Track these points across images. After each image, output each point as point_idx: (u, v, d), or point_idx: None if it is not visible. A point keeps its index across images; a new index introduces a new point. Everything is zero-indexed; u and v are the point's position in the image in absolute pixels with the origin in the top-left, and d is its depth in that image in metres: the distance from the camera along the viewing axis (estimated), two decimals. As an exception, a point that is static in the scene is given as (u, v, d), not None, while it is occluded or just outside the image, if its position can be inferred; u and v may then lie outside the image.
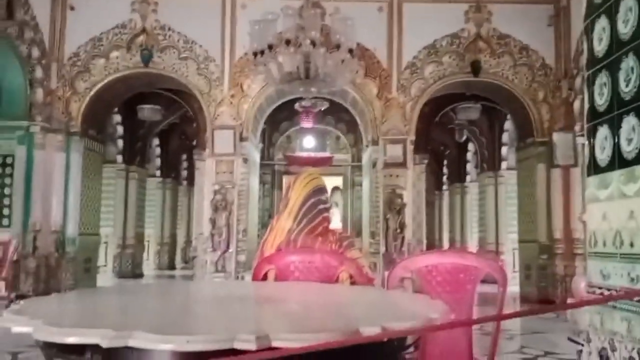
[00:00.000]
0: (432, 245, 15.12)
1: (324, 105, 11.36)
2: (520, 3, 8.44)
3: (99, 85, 8.43)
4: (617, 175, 2.30)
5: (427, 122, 9.72)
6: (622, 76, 2.28)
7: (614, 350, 2.27)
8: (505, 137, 11.95)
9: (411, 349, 2.09)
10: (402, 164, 8.37)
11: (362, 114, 8.93)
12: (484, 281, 2.19)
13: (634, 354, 2.14)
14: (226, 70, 8.40)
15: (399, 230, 8.26)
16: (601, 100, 2.43)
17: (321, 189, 2.65)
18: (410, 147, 8.44)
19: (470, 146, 13.90)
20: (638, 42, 2.20)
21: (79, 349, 1.24)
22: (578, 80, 7.78)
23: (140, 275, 12.55)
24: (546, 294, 8.26)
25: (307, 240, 2.57)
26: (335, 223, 14.98)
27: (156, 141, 14.31)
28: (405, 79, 8.43)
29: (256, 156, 9.83)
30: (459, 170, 14.83)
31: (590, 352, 2.44)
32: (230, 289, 2.54)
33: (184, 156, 16.08)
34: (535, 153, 8.63)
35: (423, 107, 8.63)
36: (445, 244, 15.92)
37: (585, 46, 2.61)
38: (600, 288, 2.40)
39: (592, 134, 2.50)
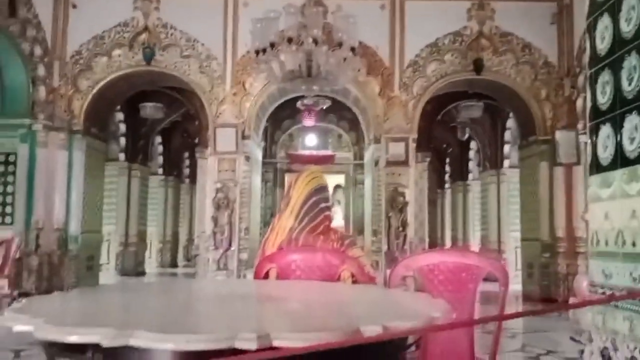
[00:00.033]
0: (435, 243, 15.12)
1: (326, 104, 11.37)
2: (523, 1, 8.42)
3: (102, 84, 8.44)
4: (619, 174, 2.29)
5: (429, 120, 9.71)
6: (624, 75, 2.27)
7: (616, 349, 2.26)
8: (507, 135, 11.92)
9: (412, 348, 2.09)
10: (405, 162, 8.36)
11: (364, 112, 8.92)
12: (486, 279, 2.19)
13: (636, 354, 2.14)
14: (228, 68, 8.40)
15: (401, 229, 8.26)
16: (604, 99, 2.43)
17: (323, 188, 2.65)
18: (412, 146, 8.43)
19: (473, 144, 13.89)
20: (641, 41, 2.20)
21: (80, 347, 1.24)
22: (581, 79, 7.77)
23: (142, 273, 12.57)
24: (548, 293, 8.25)
25: (309, 239, 2.57)
26: (338, 221, 14.98)
27: (158, 139, 14.32)
28: (408, 77, 8.41)
29: (258, 154, 9.83)
30: (461, 168, 14.81)
31: (592, 351, 2.43)
32: (231, 288, 2.54)
33: (186, 154, 16.09)
34: (537, 151, 8.62)
35: (425, 105, 8.62)
36: (448, 243, 15.91)
37: (587, 44, 2.60)
38: (602, 287, 2.40)
39: (594, 132, 2.49)
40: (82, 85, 8.38)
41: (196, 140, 10.92)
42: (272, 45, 6.06)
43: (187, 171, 16.62)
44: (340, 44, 6.11)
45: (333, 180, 14.84)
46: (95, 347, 1.18)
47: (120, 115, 11.91)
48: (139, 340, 1.15)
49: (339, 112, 13.31)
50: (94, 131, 8.84)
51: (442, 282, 2.24)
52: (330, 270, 2.45)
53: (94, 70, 8.38)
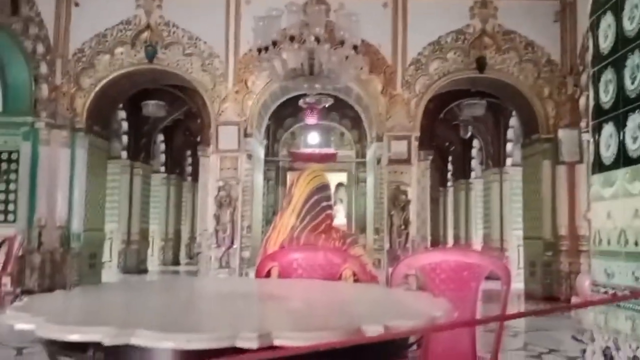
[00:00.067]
0: (437, 241, 15.12)
1: (328, 102, 11.37)
2: (526, -1, 8.41)
3: (104, 82, 8.45)
4: (622, 173, 2.29)
5: (431, 118, 9.70)
6: (627, 73, 2.26)
7: (618, 349, 2.26)
8: (510, 134, 11.91)
9: (414, 347, 2.09)
10: (407, 161, 8.36)
11: (367, 110, 8.91)
12: (488, 278, 2.18)
13: (638, 353, 2.13)
14: (230, 66, 8.40)
15: (403, 227, 8.26)
16: (606, 98, 2.42)
17: (324, 186, 2.65)
18: (414, 144, 8.42)
19: (475, 142, 13.87)
20: (644, 39, 2.19)
21: (82, 346, 1.24)
22: (584, 77, 7.75)
23: (144, 271, 12.59)
24: (551, 291, 8.24)
25: (310, 238, 2.57)
26: (340, 219, 14.99)
27: (161, 137, 14.34)
28: (410, 75, 8.40)
29: (260, 152, 9.83)
30: (464, 166, 14.80)
31: (594, 351, 2.43)
32: (232, 286, 2.54)
33: (189, 152, 16.10)
34: (540, 149, 8.60)
35: (428, 103, 8.61)
36: (450, 241, 15.90)
37: (590, 43, 2.60)
38: (604, 287, 2.39)
39: (597, 131, 2.49)
40: (85, 83, 8.39)
41: (198, 138, 10.93)
42: (275, 43, 6.06)
43: (189, 169, 16.64)
44: (342, 42, 6.10)
45: (335, 178, 14.84)
46: (97, 345, 1.19)
47: (122, 114, 11.93)
48: (140, 339, 1.15)
49: (341, 110, 13.31)
50: (97, 129, 8.85)
51: (444, 281, 2.23)
52: (331, 269, 2.44)
53: (97, 68, 8.39)
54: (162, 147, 14.78)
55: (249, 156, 8.54)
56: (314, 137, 15.95)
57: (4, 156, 7.87)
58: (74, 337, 1.21)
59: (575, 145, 8.13)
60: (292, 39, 6.06)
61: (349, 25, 6.17)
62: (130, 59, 8.41)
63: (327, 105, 11.79)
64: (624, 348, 2.22)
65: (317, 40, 6.03)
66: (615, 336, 2.29)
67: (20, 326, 1.30)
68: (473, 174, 14.34)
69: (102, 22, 8.35)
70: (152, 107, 11.73)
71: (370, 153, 9.81)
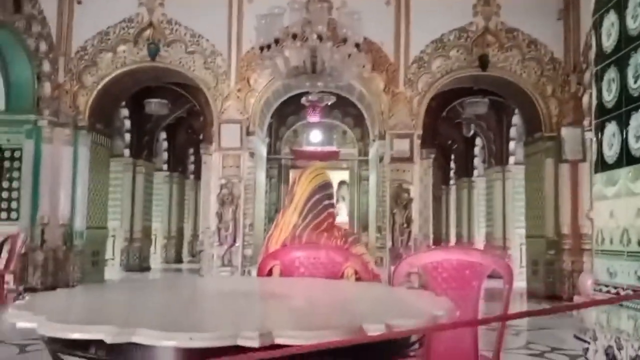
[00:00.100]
0: (439, 240, 15.11)
1: (331, 100, 11.36)
2: (529, -4, 8.39)
3: (106, 79, 8.46)
4: (624, 172, 2.28)
5: (434, 116, 9.68)
6: (630, 72, 2.25)
7: (620, 348, 2.25)
8: (513, 132, 11.89)
9: (416, 346, 2.08)
10: (409, 159, 8.35)
11: (369, 108, 8.90)
12: (491, 276, 2.18)
13: (641, 352, 2.13)
14: (233, 64, 8.40)
15: (405, 225, 8.26)
16: (609, 96, 2.41)
17: (327, 185, 2.65)
18: (417, 142, 8.42)
19: (478, 141, 13.85)
20: (647, 38, 2.18)
21: (83, 344, 1.24)
22: (587, 75, 7.72)
23: (147, 269, 12.61)
24: (553, 290, 8.23)
25: (313, 236, 2.57)
26: (342, 217, 14.98)
27: (163, 135, 14.35)
28: (413, 73, 8.39)
29: (263, 150, 9.83)
30: (466, 164, 14.78)
31: (596, 350, 2.42)
32: (234, 285, 2.54)
33: (191, 150, 16.12)
34: (543, 148, 8.59)
35: (430, 101, 8.60)
36: (452, 239, 15.89)
37: (593, 41, 2.59)
38: (607, 286, 2.39)
39: (600, 130, 2.48)
40: (87, 81, 8.40)
41: (201, 136, 10.93)
42: (277, 41, 6.06)
43: (191, 167, 16.65)
44: (345, 40, 6.09)
45: (337, 176, 14.84)
46: (98, 343, 1.19)
47: (125, 111, 11.95)
48: (141, 337, 1.15)
49: (344, 108, 13.29)
50: (99, 127, 8.86)
51: (446, 280, 2.23)
52: (333, 267, 2.45)
53: (99, 66, 8.40)
54: (165, 145, 14.79)
55: (251, 154, 8.54)
56: (316, 135, 15.95)
57: (7, 154, 7.89)
58: (76, 335, 1.21)
59: (578, 144, 8.11)
60: (294, 36, 6.06)
61: (352, 23, 6.16)
62: (132, 56, 8.41)
63: (329, 103, 11.78)
64: (626, 347, 2.22)
65: (320, 38, 6.02)
66: (617, 335, 2.28)
67: (22, 325, 1.31)
68: (475, 172, 14.32)
69: (104, 20, 8.35)
70: (154, 105, 11.74)
71: (372, 151, 9.81)
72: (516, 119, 11.34)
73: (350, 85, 8.32)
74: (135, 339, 1.15)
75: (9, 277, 6.80)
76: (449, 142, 15.41)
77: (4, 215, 7.81)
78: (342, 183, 15.82)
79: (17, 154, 7.90)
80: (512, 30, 8.33)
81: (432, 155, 10.02)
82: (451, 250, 2.58)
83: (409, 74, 8.39)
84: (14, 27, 7.50)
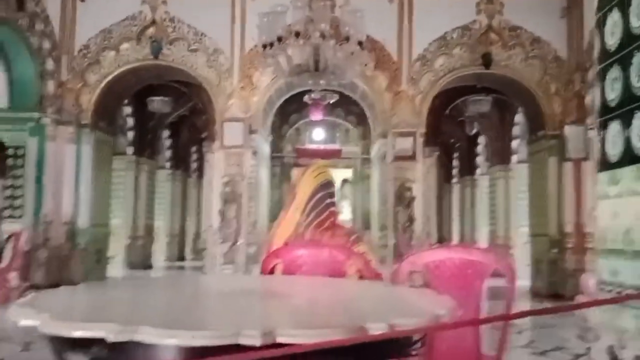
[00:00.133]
0: (442, 238, 15.08)
1: (334, 98, 11.33)
2: (533, -6, 8.36)
3: (109, 77, 8.46)
4: (627, 171, 2.27)
5: (437, 114, 9.66)
6: (634, 71, 2.24)
7: (623, 347, 2.25)
8: (516, 130, 11.86)
9: (418, 345, 2.08)
10: (412, 157, 8.34)
11: (372, 106, 8.89)
12: (495, 275, 2.17)
13: (644, 352, 2.13)
14: (236, 62, 8.39)
15: (408, 224, 8.25)
16: (613, 95, 2.40)
17: (329, 183, 2.66)
18: (420, 140, 8.40)
19: (481, 139, 13.82)
20: (651, 36, 2.17)
21: (86, 342, 1.25)
22: (590, 73, 7.70)
23: (150, 267, 12.62)
24: (556, 289, 8.21)
25: (315, 234, 2.57)
26: (345, 215, 14.98)
27: (166, 133, 14.36)
28: (416, 71, 8.38)
29: (266, 148, 9.83)
30: (469, 163, 14.76)
31: (599, 349, 2.42)
32: (236, 283, 2.54)
33: (194, 148, 16.12)
34: (546, 146, 8.56)
35: (433, 99, 8.58)
36: (455, 238, 15.86)
37: (597, 40, 2.58)
38: (610, 285, 2.38)
39: (603, 129, 2.47)
40: (90, 79, 8.41)
41: (204, 135, 10.94)
42: (280, 39, 6.05)
43: (194, 165, 16.66)
44: (347, 38, 6.08)
45: (340, 174, 14.83)
46: (101, 342, 1.19)
47: (128, 109, 11.95)
48: (143, 335, 1.16)
49: (347, 106, 13.28)
50: (102, 125, 8.87)
51: (448, 279, 2.23)
52: (336, 265, 2.45)
53: (102, 64, 8.41)
54: (168, 143, 14.80)
55: (254, 152, 8.54)
56: (319, 133, 15.94)
57: (11, 152, 7.90)
58: (78, 334, 1.22)
59: (582, 142, 8.08)
60: (297, 34, 6.05)
61: (354, 21, 6.15)
62: (135, 54, 8.42)
63: (332, 102, 11.76)
64: (629, 346, 2.21)
65: (323, 36, 6.01)
66: (620, 335, 2.28)
67: (25, 323, 1.31)
68: (478, 171, 14.29)
69: (107, 18, 8.36)
70: (157, 103, 11.75)
71: (375, 149, 9.80)
72: (519, 117, 11.32)
73: (353, 83, 8.31)
74: (138, 337, 1.15)
75: (12, 275, 6.81)
76: (452, 140, 15.39)
77: (7, 213, 7.83)
78: (344, 181, 15.81)
79: (20, 152, 7.91)
80: (516, 29, 8.30)
81: (435, 154, 10.02)
82: (453, 249, 2.57)
83: (412, 72, 8.37)
84: (17, 25, 7.50)
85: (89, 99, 8.41)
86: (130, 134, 12.39)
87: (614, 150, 2.37)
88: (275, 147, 14.54)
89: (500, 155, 12.26)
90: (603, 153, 2.46)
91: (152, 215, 13.23)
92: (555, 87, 8.34)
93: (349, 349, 1.16)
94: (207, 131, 9.77)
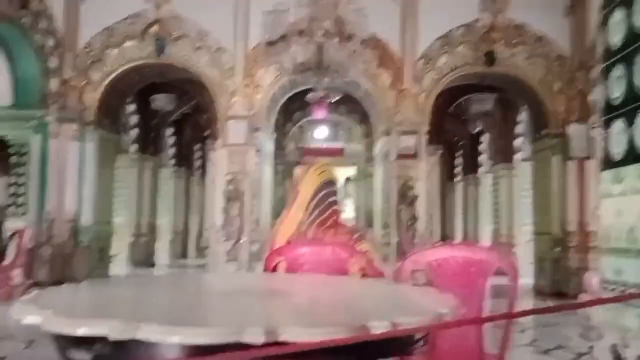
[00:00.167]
0: (445, 236, 15.06)
1: (337, 96, 11.33)
2: (537, -7, 8.33)
3: (113, 75, 8.47)
4: (631, 169, 2.27)
5: (440, 113, 9.65)
6: (637, 69, 2.24)
7: (626, 346, 2.24)
8: (519, 129, 11.83)
9: (420, 343, 2.08)
10: (415, 155, 8.33)
11: (375, 105, 8.88)
12: (498, 273, 2.17)
13: (647, 351, 2.12)
14: (239, 60, 8.38)
15: (411, 222, 8.24)
16: (616, 94, 2.40)
17: (331, 182, 2.66)
18: (423, 138, 8.39)
19: (484, 137, 13.79)
20: (655, 34, 2.16)
21: (89, 340, 1.25)
22: (594, 72, 7.68)
23: (153, 265, 12.64)
24: (559, 287, 8.20)
25: (318, 232, 2.58)
26: (347, 214, 14.98)
27: (169, 131, 14.36)
28: (419, 69, 8.36)
29: (269, 146, 9.83)
30: (473, 161, 14.73)
31: (602, 348, 2.42)
32: (240, 281, 2.55)
33: (197, 146, 16.12)
34: (550, 145, 8.55)
35: (436, 98, 8.56)
36: (458, 236, 15.84)
37: (601, 38, 2.57)
38: (613, 284, 2.38)
39: (606, 127, 2.47)
40: (94, 77, 8.42)
41: (207, 132, 10.94)
42: (283, 37, 6.05)
43: (198, 163, 16.66)
44: (351, 37, 6.08)
45: (343, 172, 14.83)
46: (104, 339, 1.19)
47: (131, 107, 11.96)
48: (146, 333, 1.16)
49: (350, 104, 13.26)
50: (106, 123, 8.87)
51: (451, 277, 2.23)
52: (339, 264, 2.45)
53: (105, 62, 8.41)
54: (171, 141, 14.79)
55: (257, 150, 8.54)
56: (322, 132, 15.95)
57: (14, 149, 7.93)
58: (81, 331, 1.22)
59: (585, 141, 8.07)
60: (300, 33, 6.05)
61: (358, 19, 6.15)
62: (139, 52, 8.42)
63: (335, 100, 11.76)
64: (632, 345, 2.21)
65: (326, 34, 6.01)
66: (623, 333, 2.28)
67: (28, 320, 1.32)
68: (482, 169, 14.27)
69: (111, 16, 8.36)
70: (160, 101, 11.76)
71: (378, 148, 9.79)
72: (523, 116, 11.29)
73: (356, 81, 8.30)
74: (140, 335, 1.16)
75: (16, 272, 6.84)
76: (455, 138, 15.36)
77: (11, 210, 7.85)
78: (347, 180, 15.81)
79: (24, 150, 7.93)
80: (519, 27, 8.27)
81: (439, 152, 10.01)
82: (457, 248, 2.57)
83: (415, 71, 8.36)
84: (21, 23, 7.52)
85: (92, 97, 8.42)
86: (134, 132, 12.40)
87: (618, 149, 2.37)
88: (279, 145, 14.54)
89: (504, 154, 12.24)
90: (606, 151, 2.45)
91: (155, 213, 13.24)
92: (558, 86, 8.32)
93: (351, 347, 1.16)
94: (210, 129, 9.78)
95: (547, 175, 8.63)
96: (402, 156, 8.33)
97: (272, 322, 1.29)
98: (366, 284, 2.27)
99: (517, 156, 11.91)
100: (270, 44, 6.17)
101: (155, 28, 8.37)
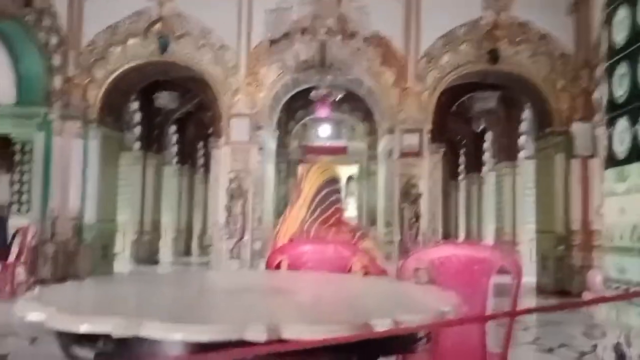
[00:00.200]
0: (448, 235, 15.06)
1: (340, 94, 11.32)
2: (540, -10, 8.31)
3: (116, 73, 8.49)
4: (635, 168, 2.26)
5: (443, 111, 9.63)
6: (642, 67, 2.23)
7: (629, 345, 2.24)
8: (523, 127, 11.81)
9: (423, 341, 2.08)
10: (418, 154, 8.33)
11: (378, 103, 8.88)
12: (501, 271, 2.16)
13: (650, 349, 2.12)
14: (242, 58, 8.38)
15: (414, 220, 8.24)
16: (620, 92, 2.39)
17: (334, 180, 2.65)
18: (426, 137, 8.39)
19: (487, 135, 13.77)
20: (660, 32, 2.15)
21: (92, 337, 1.25)
22: (598, 70, 7.66)
23: (156, 262, 12.66)
24: (563, 285, 8.20)
25: (320, 231, 2.57)
26: (350, 212, 14.98)
27: (173, 129, 14.38)
28: (422, 68, 8.35)
29: (272, 144, 9.84)
30: (476, 159, 14.71)
31: (605, 346, 2.41)
32: (242, 279, 2.55)
33: (200, 144, 16.15)
34: (553, 143, 8.53)
35: (440, 96, 8.55)
36: (461, 234, 15.84)
37: (605, 36, 2.56)
38: (617, 283, 2.37)
39: (610, 125, 2.46)
40: (97, 74, 8.43)
41: (210, 130, 10.95)
42: (286, 35, 6.05)
43: (201, 161, 16.69)
44: (353, 34, 6.08)
45: (346, 171, 14.84)
46: (107, 337, 1.20)
47: (134, 105, 11.97)
48: (149, 330, 1.16)
49: (353, 102, 13.26)
50: (109, 120, 8.89)
51: (454, 276, 2.22)
52: (341, 262, 2.44)
53: (109, 60, 8.43)
54: (174, 138, 14.82)
55: (260, 148, 8.55)
56: (325, 130, 15.95)
57: (18, 147, 7.95)
58: (84, 329, 1.22)
59: (589, 139, 8.05)
60: (303, 31, 6.05)
61: (361, 17, 6.16)
62: (142, 50, 8.43)
63: (338, 98, 11.75)
64: (635, 344, 2.20)
65: (329, 32, 6.01)
66: (626, 332, 2.27)
67: (31, 317, 1.32)
68: (485, 168, 14.25)
69: (114, 14, 8.38)
70: (164, 99, 11.78)
71: (381, 146, 9.79)
72: (526, 114, 11.27)
73: (359, 79, 8.29)
74: (143, 332, 1.16)
75: (19, 269, 6.86)
76: (459, 137, 15.34)
77: (15, 208, 7.88)
78: (350, 178, 15.81)
79: (27, 147, 7.96)
80: (523, 25, 8.26)
81: (442, 150, 9.98)
82: (459, 246, 2.57)
83: (419, 69, 8.35)
84: (25, 21, 7.53)
85: (96, 95, 8.44)
86: (137, 130, 12.42)
87: (622, 147, 2.35)
88: (281, 143, 14.55)
89: (507, 152, 12.22)
90: (610, 150, 2.44)
91: (158, 210, 13.26)
92: (562, 84, 8.30)
93: (354, 345, 1.16)
94: (213, 127, 9.78)
95: (550, 173, 8.61)
96: (405, 154, 8.33)
97: (274, 319, 1.29)
98: (369, 282, 2.27)
99: (521, 154, 11.89)
100: (273, 42, 6.17)
101: (158, 26, 8.38)
